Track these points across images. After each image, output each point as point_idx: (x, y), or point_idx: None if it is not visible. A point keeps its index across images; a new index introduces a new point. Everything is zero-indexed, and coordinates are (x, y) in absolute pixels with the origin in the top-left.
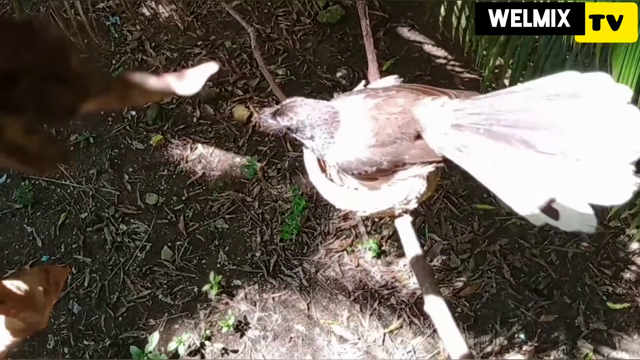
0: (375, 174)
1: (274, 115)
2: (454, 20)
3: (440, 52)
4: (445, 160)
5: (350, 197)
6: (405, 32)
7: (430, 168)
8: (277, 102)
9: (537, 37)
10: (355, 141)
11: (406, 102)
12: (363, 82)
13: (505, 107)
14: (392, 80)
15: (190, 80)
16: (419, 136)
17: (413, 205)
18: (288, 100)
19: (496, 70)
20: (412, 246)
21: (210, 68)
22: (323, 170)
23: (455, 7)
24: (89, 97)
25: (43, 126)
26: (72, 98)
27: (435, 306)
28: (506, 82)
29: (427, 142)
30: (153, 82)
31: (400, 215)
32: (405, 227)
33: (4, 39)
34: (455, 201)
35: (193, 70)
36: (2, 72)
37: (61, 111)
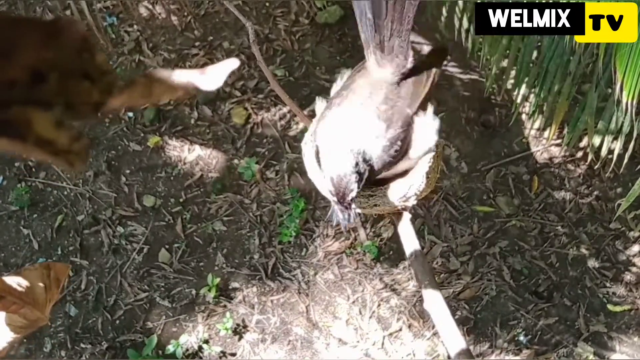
0: (402, 148)
1: (346, 208)
2: (456, 22)
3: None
4: (437, 59)
5: None
6: None
7: (433, 121)
8: (275, 103)
9: (540, 38)
10: (373, 138)
11: (365, 78)
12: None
13: None
14: (339, 80)
15: (213, 76)
16: (399, 86)
17: (412, 201)
18: (340, 185)
19: (499, 72)
20: (411, 244)
21: (232, 64)
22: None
23: (457, 8)
24: (113, 93)
25: (71, 121)
26: (97, 94)
27: (434, 303)
28: (510, 83)
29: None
30: (176, 78)
31: (400, 212)
32: (404, 225)
33: (32, 37)
34: (455, 203)
35: (215, 66)
36: (31, 69)
37: (87, 107)
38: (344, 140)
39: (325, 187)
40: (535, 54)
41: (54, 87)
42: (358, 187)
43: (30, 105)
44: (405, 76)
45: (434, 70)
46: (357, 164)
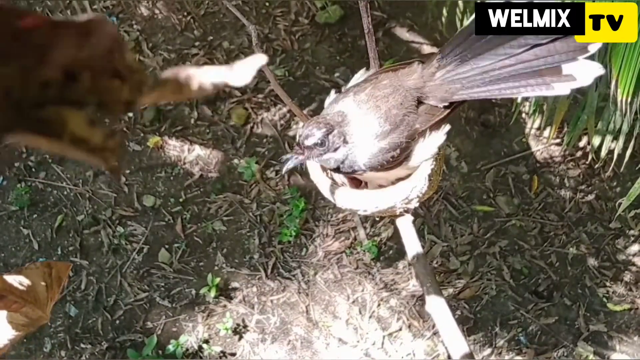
0: (400, 156)
1: (295, 151)
2: (457, 21)
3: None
4: (451, 108)
5: (351, 196)
6: (404, 32)
7: (442, 137)
8: (275, 102)
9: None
10: (372, 135)
11: (391, 80)
12: (333, 91)
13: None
14: (362, 73)
15: (242, 72)
16: (419, 104)
17: (414, 204)
18: (301, 129)
19: None
20: (413, 246)
21: (260, 59)
22: (324, 169)
23: (457, 8)
24: (143, 91)
25: (104, 119)
26: (128, 92)
27: (437, 306)
28: None
29: (430, 101)
30: (206, 75)
31: (401, 214)
32: (406, 227)
33: (65, 38)
34: (455, 203)
35: (243, 62)
36: (65, 69)
37: (119, 105)
38: (343, 120)
39: (328, 186)
40: None
41: (87, 87)
42: (321, 145)
43: (64, 104)
44: (425, 99)
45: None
46: (333, 134)
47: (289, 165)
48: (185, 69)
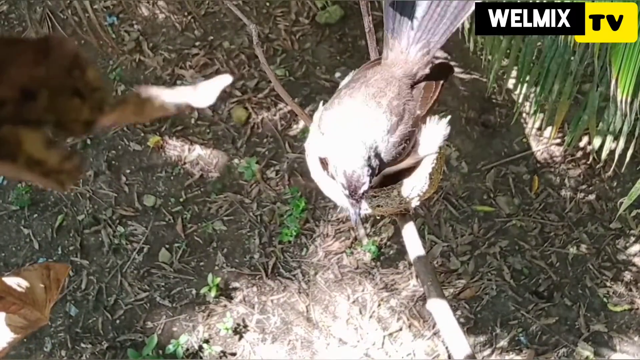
0: (408, 146)
1: (357, 201)
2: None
3: (439, 52)
4: (441, 84)
5: None
6: None
7: (445, 127)
8: (276, 102)
9: (541, 38)
10: (384, 132)
11: (381, 74)
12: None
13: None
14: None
15: (205, 93)
16: (412, 89)
17: (415, 203)
18: (352, 178)
19: (501, 72)
20: (414, 245)
21: (224, 80)
22: (325, 167)
23: None
24: (104, 111)
25: (62, 140)
26: (88, 111)
27: (438, 305)
28: (511, 82)
29: (424, 72)
30: (168, 95)
31: (401, 213)
32: (407, 226)
33: (21, 55)
34: (455, 203)
35: (207, 83)
36: (21, 87)
37: (78, 125)
38: (355, 131)
39: (329, 185)
40: (535, 53)
41: (44, 105)
42: (370, 182)
43: (20, 124)
44: (418, 81)
45: (441, 82)
46: (369, 157)
47: (356, 219)
48: (146, 89)
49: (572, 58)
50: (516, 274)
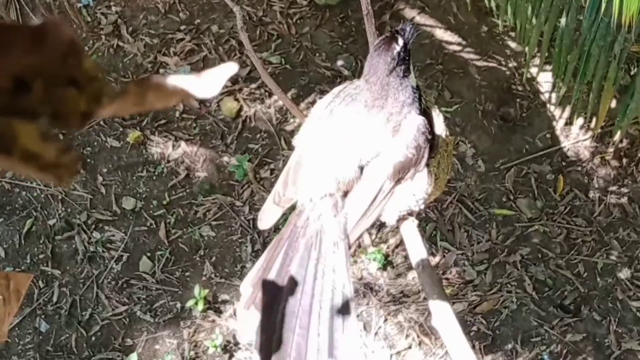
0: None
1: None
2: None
3: (453, 37)
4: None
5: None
6: (414, 14)
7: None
8: (270, 93)
9: (580, 17)
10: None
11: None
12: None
13: None
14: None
15: (209, 82)
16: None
17: (419, 207)
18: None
19: (520, 59)
20: (417, 252)
21: (230, 69)
22: None
23: None
24: (102, 102)
25: (58, 132)
26: (85, 102)
27: (444, 320)
28: (534, 70)
29: None
30: (171, 85)
31: (405, 217)
32: (410, 232)
33: (15, 43)
34: (471, 206)
35: (211, 72)
36: (15, 77)
37: (75, 116)
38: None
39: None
40: (574, 36)
41: (40, 96)
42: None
43: (14, 116)
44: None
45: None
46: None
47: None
48: (149, 79)
49: (616, 39)
50: (539, 286)
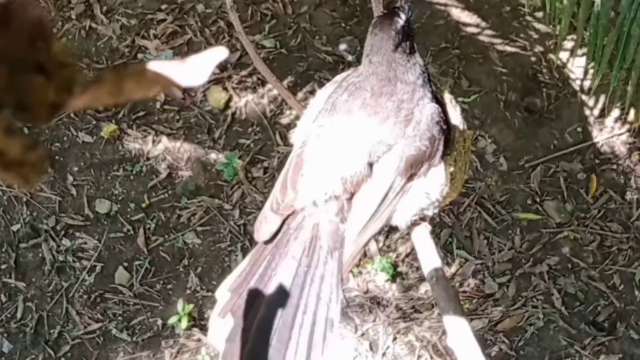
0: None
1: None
2: None
3: (471, 18)
4: None
5: None
6: None
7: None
8: (264, 81)
9: None
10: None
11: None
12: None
13: None
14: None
15: (196, 69)
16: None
17: (433, 210)
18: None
19: (548, 43)
20: (431, 262)
21: (219, 54)
22: None
23: None
24: (74, 91)
25: (23, 126)
26: (54, 92)
27: (460, 338)
28: (563, 55)
29: None
30: (151, 72)
31: (417, 223)
32: (422, 238)
33: None
34: (491, 209)
35: (198, 57)
36: None
37: (42, 107)
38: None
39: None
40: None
41: (3, 84)
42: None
43: None
44: None
45: None
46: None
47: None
48: (127, 66)
49: None
50: (569, 300)
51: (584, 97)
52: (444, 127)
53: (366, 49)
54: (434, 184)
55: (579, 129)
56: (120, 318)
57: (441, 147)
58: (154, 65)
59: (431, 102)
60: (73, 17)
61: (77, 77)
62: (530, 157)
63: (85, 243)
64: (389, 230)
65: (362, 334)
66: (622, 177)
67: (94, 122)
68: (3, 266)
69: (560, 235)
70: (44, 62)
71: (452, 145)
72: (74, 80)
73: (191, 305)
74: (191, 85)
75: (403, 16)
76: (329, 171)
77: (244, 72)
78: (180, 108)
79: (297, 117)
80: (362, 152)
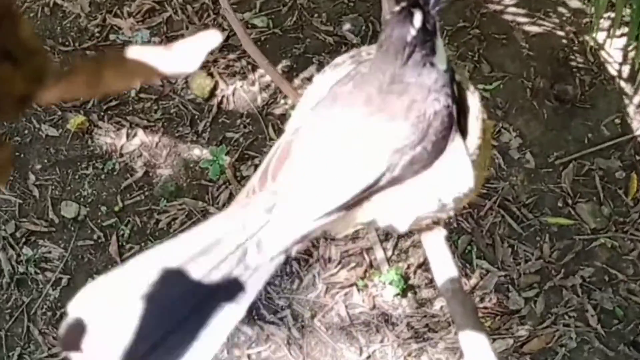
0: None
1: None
2: None
3: None
4: None
5: None
6: None
7: None
8: (254, 66)
9: None
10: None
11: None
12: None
13: None
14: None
15: (184, 55)
16: None
17: (449, 212)
18: None
19: (582, 21)
20: (446, 273)
21: (211, 39)
22: None
23: None
24: (45, 82)
25: None
26: (23, 82)
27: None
28: (600, 36)
29: None
30: (133, 61)
31: (429, 227)
32: (436, 246)
33: None
34: (516, 213)
35: (187, 42)
36: None
37: (9, 100)
38: None
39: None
40: None
41: None
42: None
43: None
44: None
45: None
46: None
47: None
48: (105, 54)
49: None
50: (605, 317)
51: (622, 83)
52: (456, 130)
53: (380, 38)
54: (448, 182)
55: (617, 121)
56: None
57: (441, 127)
58: (135, 52)
59: (447, 106)
60: None
61: (49, 66)
62: (561, 152)
63: (50, 252)
64: (398, 236)
65: (368, 357)
66: None
67: (60, 113)
68: None
69: (595, 242)
70: (11, 49)
71: (465, 131)
72: (45, 69)
73: None
74: (178, 75)
75: (419, 18)
76: (321, 182)
77: (231, 56)
78: (159, 97)
79: (293, 107)
80: (360, 160)
